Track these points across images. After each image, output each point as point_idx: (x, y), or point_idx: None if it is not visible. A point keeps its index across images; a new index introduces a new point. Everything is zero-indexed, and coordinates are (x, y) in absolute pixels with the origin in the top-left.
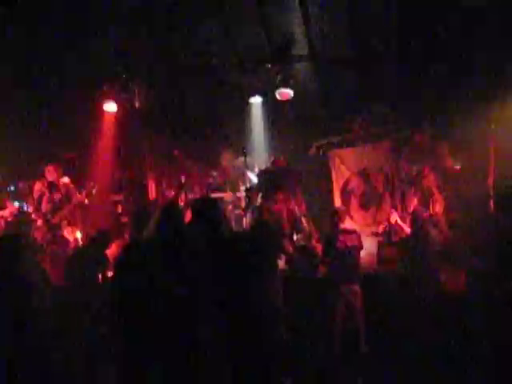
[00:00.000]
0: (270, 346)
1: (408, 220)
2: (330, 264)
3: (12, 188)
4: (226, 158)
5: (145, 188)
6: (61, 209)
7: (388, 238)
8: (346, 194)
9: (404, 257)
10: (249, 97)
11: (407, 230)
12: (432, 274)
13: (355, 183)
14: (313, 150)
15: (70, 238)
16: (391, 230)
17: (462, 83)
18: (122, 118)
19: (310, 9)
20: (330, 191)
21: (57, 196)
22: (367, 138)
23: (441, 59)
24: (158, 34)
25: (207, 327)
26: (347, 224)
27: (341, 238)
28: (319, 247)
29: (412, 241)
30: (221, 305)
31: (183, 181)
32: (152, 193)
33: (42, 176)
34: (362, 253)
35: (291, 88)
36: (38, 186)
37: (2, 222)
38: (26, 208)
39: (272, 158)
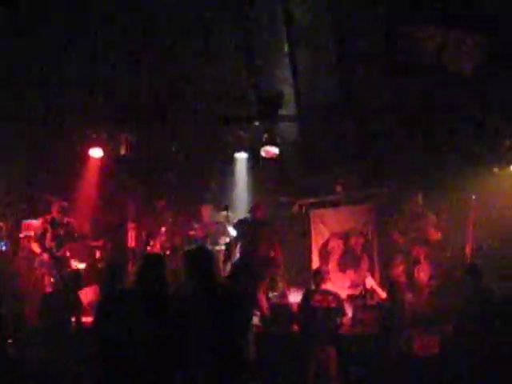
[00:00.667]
0: None
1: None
2: (303, 323)
3: None
4: (208, 212)
5: (124, 236)
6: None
7: (364, 301)
8: (324, 254)
9: (378, 320)
10: (234, 152)
11: (383, 294)
12: (405, 338)
13: (334, 244)
14: (296, 208)
15: None
16: (367, 293)
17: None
18: (107, 164)
19: (298, 68)
20: (309, 250)
21: (60, 232)
22: (348, 200)
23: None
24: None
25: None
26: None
27: (318, 297)
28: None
29: (387, 305)
30: (203, 354)
31: (164, 231)
32: (132, 242)
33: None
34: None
35: (277, 146)
36: (40, 223)
37: None
38: (3, 247)
39: (252, 205)
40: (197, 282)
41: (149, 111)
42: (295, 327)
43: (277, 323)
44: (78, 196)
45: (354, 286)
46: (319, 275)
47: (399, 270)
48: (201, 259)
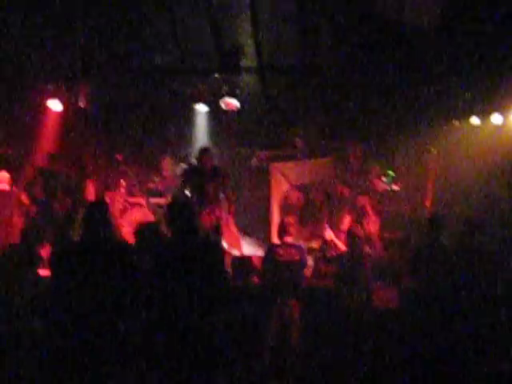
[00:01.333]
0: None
1: (342, 238)
2: (265, 276)
3: None
4: (168, 165)
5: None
6: None
7: (323, 253)
8: (285, 206)
9: (339, 273)
10: (193, 104)
11: (342, 246)
12: (365, 291)
13: (294, 197)
14: (254, 161)
15: None
16: (327, 245)
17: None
18: (65, 117)
19: (259, 17)
20: (268, 203)
21: None
22: (309, 153)
23: (386, 75)
24: (105, 33)
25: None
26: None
27: (280, 251)
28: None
29: (347, 258)
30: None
31: (123, 184)
32: (91, 195)
33: None
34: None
35: (237, 98)
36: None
37: None
38: None
39: (199, 153)
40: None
41: (107, 64)
42: (255, 279)
43: (237, 276)
44: (34, 149)
45: (313, 238)
46: (282, 228)
47: (346, 222)
48: (180, 212)
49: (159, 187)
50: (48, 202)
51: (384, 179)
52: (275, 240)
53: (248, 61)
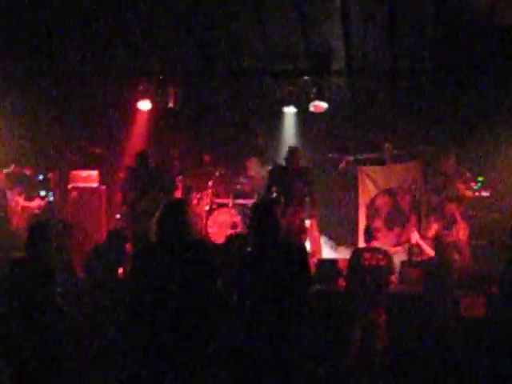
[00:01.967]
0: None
1: (429, 245)
2: (351, 280)
3: (41, 177)
4: (254, 166)
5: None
6: None
7: (410, 257)
8: (372, 211)
9: (426, 278)
10: (282, 106)
11: (429, 251)
12: (452, 299)
13: (382, 201)
14: (343, 165)
15: None
16: (413, 249)
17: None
18: (154, 117)
19: (351, 23)
20: (356, 207)
21: None
22: (397, 158)
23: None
24: (196, 34)
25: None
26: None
27: (367, 255)
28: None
29: (434, 263)
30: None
31: (211, 185)
32: (179, 196)
33: None
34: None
35: (326, 101)
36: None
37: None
38: (52, 198)
39: (287, 153)
40: (255, 235)
41: (197, 66)
42: (342, 283)
43: (323, 279)
44: (125, 149)
45: (400, 243)
46: (369, 232)
47: (433, 229)
48: (261, 213)
49: (246, 188)
50: (137, 202)
51: (473, 185)
52: (362, 244)
53: (338, 64)
